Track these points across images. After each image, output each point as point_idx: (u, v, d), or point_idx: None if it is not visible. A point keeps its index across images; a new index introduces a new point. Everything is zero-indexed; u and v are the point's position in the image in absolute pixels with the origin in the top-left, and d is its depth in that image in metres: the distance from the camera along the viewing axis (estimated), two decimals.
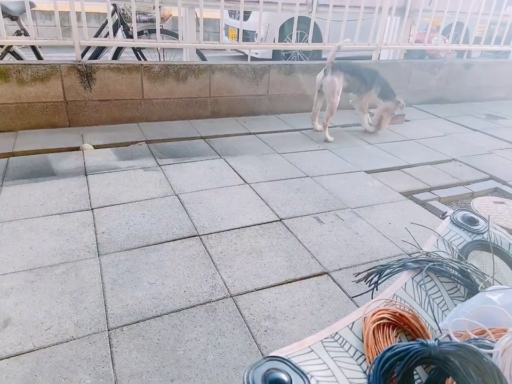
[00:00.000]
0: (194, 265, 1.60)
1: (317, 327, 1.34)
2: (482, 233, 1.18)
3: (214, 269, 1.59)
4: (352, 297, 1.48)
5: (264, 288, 1.50)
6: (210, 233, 1.82)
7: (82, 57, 3.02)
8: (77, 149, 2.64)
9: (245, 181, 2.34)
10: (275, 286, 1.52)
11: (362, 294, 1.26)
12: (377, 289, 1.07)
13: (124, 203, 2.02)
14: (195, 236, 1.80)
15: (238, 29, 4.76)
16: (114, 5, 3.43)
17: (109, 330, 1.28)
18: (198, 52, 3.61)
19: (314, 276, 1.59)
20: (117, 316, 1.34)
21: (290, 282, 1.54)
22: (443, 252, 1.10)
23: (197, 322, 1.33)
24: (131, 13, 3.08)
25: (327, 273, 1.61)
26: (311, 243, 1.79)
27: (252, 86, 3.43)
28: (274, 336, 1.30)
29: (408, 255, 1.73)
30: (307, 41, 3.72)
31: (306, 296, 1.47)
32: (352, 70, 3.07)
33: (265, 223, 1.92)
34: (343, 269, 1.64)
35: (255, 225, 1.90)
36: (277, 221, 1.95)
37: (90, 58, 3.43)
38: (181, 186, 2.22)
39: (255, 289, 1.50)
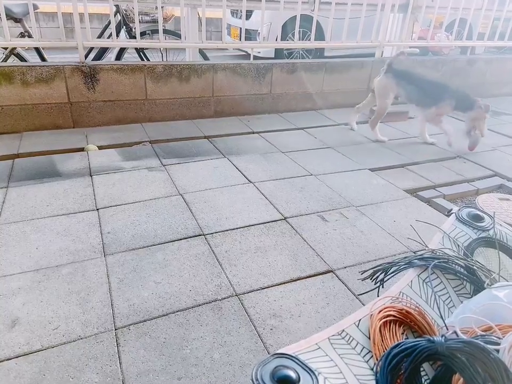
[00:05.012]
0: (199, 265, 1.61)
1: (323, 325, 1.35)
2: (488, 230, 1.18)
3: (219, 268, 1.59)
4: (358, 295, 1.48)
5: (269, 287, 1.51)
6: (215, 233, 1.82)
7: (85, 58, 3.04)
8: (82, 149, 2.65)
9: (249, 180, 2.34)
10: (280, 284, 1.52)
11: (368, 291, 1.26)
12: (383, 287, 1.07)
13: (129, 203, 2.03)
14: (200, 235, 1.80)
15: (240, 28, 4.76)
16: (117, 5, 3.44)
17: (116, 329, 1.29)
18: (201, 51, 3.62)
19: (319, 274, 1.59)
20: (124, 315, 1.35)
21: (295, 280, 1.55)
22: (449, 249, 1.10)
23: (203, 321, 1.33)
24: (134, 14, 3.08)
25: (332, 271, 1.61)
26: (315, 241, 1.79)
27: (254, 85, 3.43)
28: (280, 334, 1.30)
29: (414, 252, 1.73)
30: (309, 40, 3.71)
31: (312, 295, 1.48)
32: (411, 79, 2.86)
33: (269, 222, 1.93)
34: (348, 267, 1.64)
35: (259, 224, 1.91)
36: (281, 219, 1.96)
37: (93, 59, 3.44)
38: (185, 186, 2.23)
39: (260, 287, 1.50)
